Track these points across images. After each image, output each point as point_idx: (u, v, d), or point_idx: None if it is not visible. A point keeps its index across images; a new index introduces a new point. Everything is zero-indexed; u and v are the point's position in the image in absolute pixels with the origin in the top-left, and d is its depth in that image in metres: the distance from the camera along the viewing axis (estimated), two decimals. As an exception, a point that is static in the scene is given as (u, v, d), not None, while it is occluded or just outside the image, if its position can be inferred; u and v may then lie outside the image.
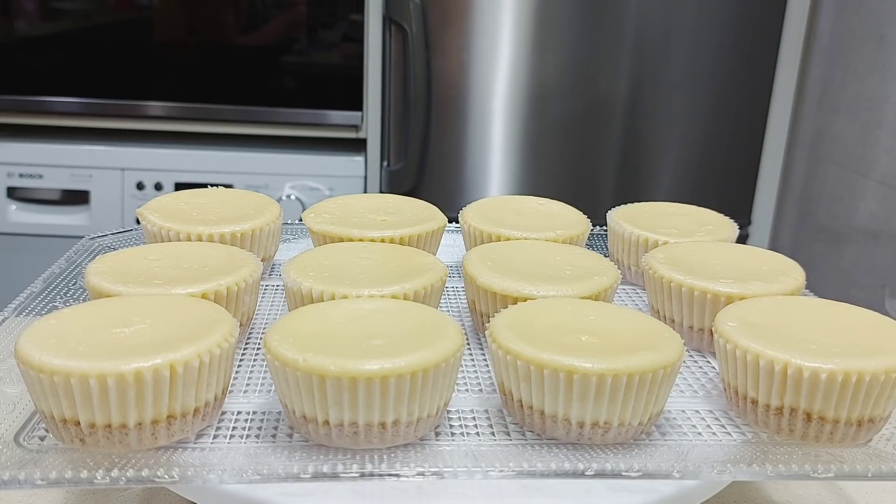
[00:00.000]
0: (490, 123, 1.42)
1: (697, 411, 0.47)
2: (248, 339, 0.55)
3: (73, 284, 0.60)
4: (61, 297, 0.57)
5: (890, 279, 1.22)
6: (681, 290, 0.54)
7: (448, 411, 0.45)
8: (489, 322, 0.46)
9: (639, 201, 0.72)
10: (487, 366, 0.51)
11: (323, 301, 0.49)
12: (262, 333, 0.55)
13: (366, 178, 1.47)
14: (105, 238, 0.69)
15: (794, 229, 1.52)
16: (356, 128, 1.47)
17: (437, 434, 0.43)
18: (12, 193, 1.46)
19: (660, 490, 0.40)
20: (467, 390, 0.48)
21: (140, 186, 1.45)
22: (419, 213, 0.66)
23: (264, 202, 0.66)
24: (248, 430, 0.43)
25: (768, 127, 1.46)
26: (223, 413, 0.44)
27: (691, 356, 0.54)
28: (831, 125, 1.40)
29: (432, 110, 1.42)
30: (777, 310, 0.48)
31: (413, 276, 0.52)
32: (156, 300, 0.46)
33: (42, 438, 0.41)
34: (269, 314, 0.59)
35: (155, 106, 1.45)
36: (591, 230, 0.68)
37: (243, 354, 0.52)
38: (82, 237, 0.69)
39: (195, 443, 0.42)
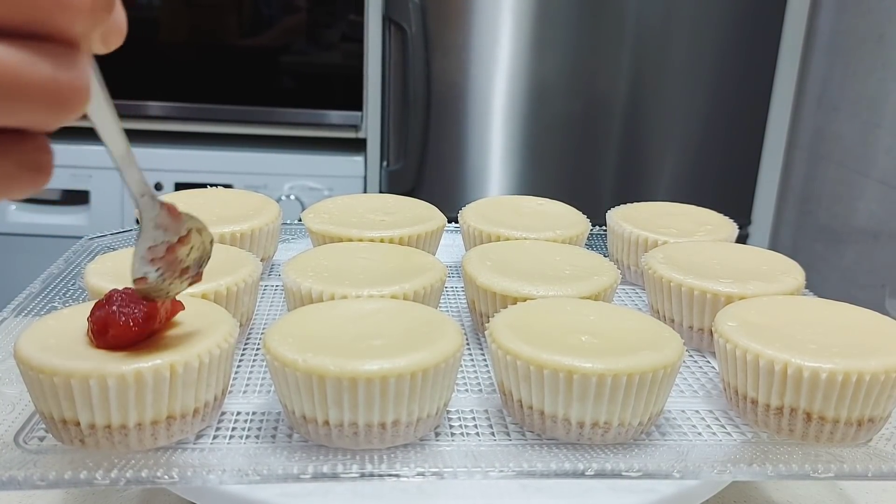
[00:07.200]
0: (490, 123, 1.42)
1: (697, 411, 0.47)
2: (248, 339, 0.54)
3: (73, 285, 0.59)
4: (60, 298, 0.57)
5: (890, 279, 1.22)
6: (680, 290, 0.54)
7: (448, 411, 0.45)
8: (489, 322, 0.46)
9: (638, 201, 0.72)
10: (487, 366, 0.51)
11: (322, 301, 0.49)
12: (262, 333, 0.55)
13: (365, 178, 1.47)
14: (104, 238, 0.69)
15: (794, 229, 1.52)
16: (356, 128, 1.47)
17: (436, 434, 0.43)
18: (12, 193, 1.46)
19: (660, 490, 0.40)
20: (467, 390, 0.48)
21: (140, 186, 1.44)
22: (419, 213, 0.66)
23: (263, 202, 0.66)
24: (248, 430, 0.43)
25: (768, 127, 1.46)
26: (223, 413, 0.44)
27: (691, 356, 0.54)
28: (831, 125, 1.40)
29: (432, 110, 1.41)
30: (777, 310, 0.48)
31: (412, 276, 0.52)
32: (155, 300, 0.46)
33: (41, 439, 0.41)
34: (268, 314, 0.59)
35: (155, 106, 1.45)
36: (591, 230, 0.68)
37: (243, 354, 0.52)
38: (82, 237, 0.68)
39: (195, 443, 0.42)
